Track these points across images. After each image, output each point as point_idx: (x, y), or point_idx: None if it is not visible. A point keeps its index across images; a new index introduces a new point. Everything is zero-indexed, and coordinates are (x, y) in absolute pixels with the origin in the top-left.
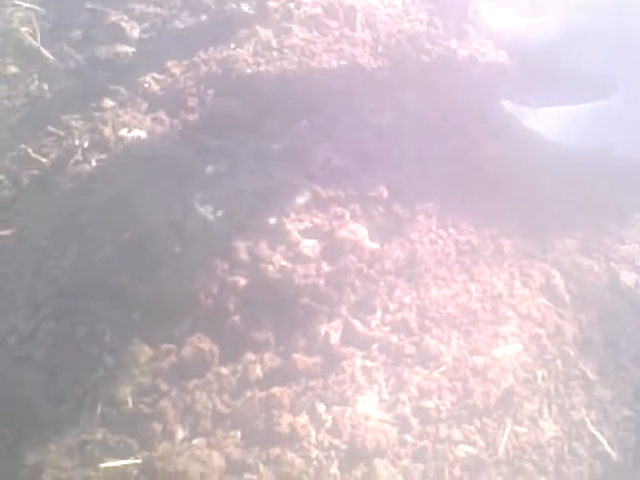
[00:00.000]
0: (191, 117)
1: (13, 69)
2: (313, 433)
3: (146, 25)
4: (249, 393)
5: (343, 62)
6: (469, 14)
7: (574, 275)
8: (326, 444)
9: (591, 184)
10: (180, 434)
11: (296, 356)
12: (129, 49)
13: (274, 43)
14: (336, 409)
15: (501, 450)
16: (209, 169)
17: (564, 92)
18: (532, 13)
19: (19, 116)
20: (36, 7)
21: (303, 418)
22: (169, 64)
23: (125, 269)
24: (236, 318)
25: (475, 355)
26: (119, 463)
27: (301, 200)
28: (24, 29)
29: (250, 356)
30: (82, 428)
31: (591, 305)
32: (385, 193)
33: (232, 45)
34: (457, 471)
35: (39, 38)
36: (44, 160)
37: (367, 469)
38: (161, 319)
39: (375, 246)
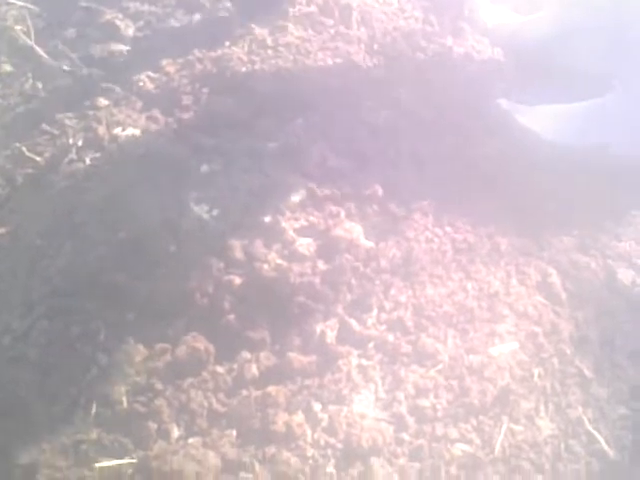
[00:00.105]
0: (186, 116)
1: (7, 67)
2: (309, 432)
3: (141, 23)
4: (245, 392)
5: (338, 60)
6: (465, 11)
7: (571, 273)
8: (322, 443)
9: (587, 182)
10: (175, 433)
11: (292, 355)
12: (124, 47)
13: (269, 41)
14: (332, 408)
15: (497, 448)
16: (204, 168)
17: (560, 89)
18: (528, 10)
19: (13, 114)
20: (30, 5)
21: (299, 417)
22: (164, 62)
23: (120, 268)
24: (231, 317)
25: (471, 353)
26: (114, 463)
27: (296, 198)
28: (18, 27)
29: (246, 355)
30: (77, 427)
31: (588, 303)
32: (380, 191)
33: (227, 43)
34: (453, 470)
35: (33, 36)
36: (38, 159)
37: (363, 468)
38: (156, 318)
39: (371, 245)
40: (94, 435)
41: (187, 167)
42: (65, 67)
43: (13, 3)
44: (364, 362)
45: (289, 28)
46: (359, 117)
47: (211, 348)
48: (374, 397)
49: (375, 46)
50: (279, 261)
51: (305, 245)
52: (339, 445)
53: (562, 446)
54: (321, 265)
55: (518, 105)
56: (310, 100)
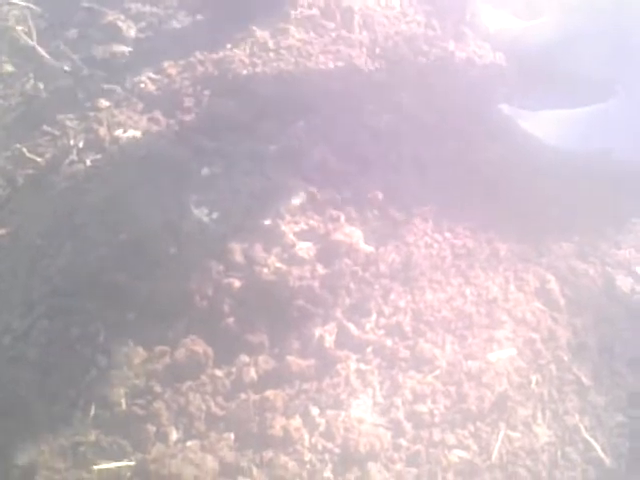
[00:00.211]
0: (187, 118)
1: (9, 68)
2: (307, 436)
3: (142, 24)
4: (243, 396)
5: (340, 63)
6: (467, 16)
7: (569, 279)
8: (320, 447)
9: (589, 188)
10: (174, 436)
11: (290, 359)
12: (125, 49)
13: (271, 44)
14: (330, 412)
15: (495, 455)
16: (205, 170)
17: (562, 94)
18: (530, 15)
19: (14, 115)
20: (32, 5)
21: (297, 421)
22: (165, 64)
23: (120, 269)
24: (231, 320)
25: (469, 359)
26: (112, 465)
27: (297, 202)
28: (20, 28)
29: (244, 358)
30: (75, 429)
31: (586, 310)
32: (381, 196)
33: (228, 45)
34: (450, 476)
35: (35, 37)
36: (39, 159)
37: (360, 473)
38: (156, 320)
39: (370, 249)
40: (93, 437)
41: (188, 169)
42: (66, 68)
43: (15, 3)
44: (362, 367)
45: (291, 31)
46: (360, 121)
47: (210, 351)
48: (372, 402)
49: (377, 50)
50: (279, 265)
51: (305, 249)
52: (336, 450)
53: (559, 453)
54: (320, 269)
55: (520, 110)
56: (311, 103)
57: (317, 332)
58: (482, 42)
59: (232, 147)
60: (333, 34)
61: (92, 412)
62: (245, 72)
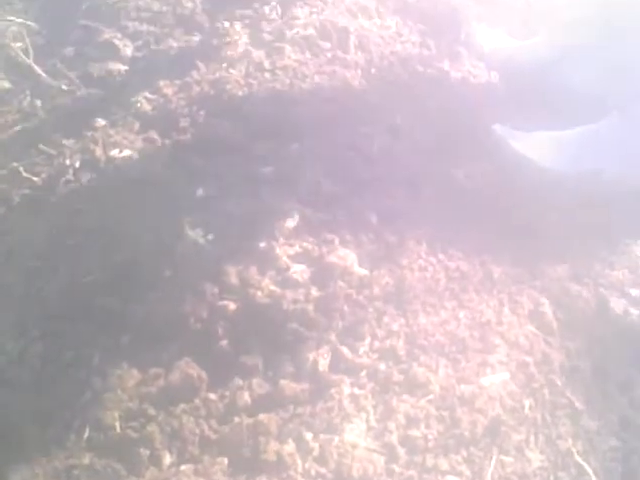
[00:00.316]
0: (182, 138)
1: (5, 85)
2: (299, 461)
3: (139, 43)
4: (237, 419)
5: (335, 83)
6: (461, 35)
7: (563, 302)
8: (313, 473)
9: (582, 209)
10: (167, 460)
11: (284, 382)
12: (122, 67)
13: (266, 64)
14: (323, 437)
15: None
16: (199, 192)
17: (555, 114)
18: (525, 34)
19: (11, 133)
20: (29, 23)
21: (290, 446)
22: (161, 84)
23: (114, 292)
24: (225, 343)
25: (463, 383)
26: None
27: (291, 224)
28: (16, 45)
29: (238, 382)
30: (69, 452)
31: (579, 332)
32: (375, 218)
33: (224, 65)
34: None
35: (31, 54)
36: (35, 179)
37: None
38: (150, 343)
39: (364, 272)
40: (87, 460)
41: (183, 191)
42: (64, 86)
43: (12, 20)
44: (356, 391)
45: (286, 51)
46: (355, 142)
47: (204, 375)
48: (365, 426)
49: (372, 70)
50: (273, 287)
51: (299, 272)
52: (330, 475)
53: (551, 478)
54: (314, 292)
55: (513, 131)
56: (306, 124)
57: (311, 356)
58: (477, 61)
59: (227, 168)
60: (328, 54)
61: (86, 435)
62: (240, 93)
